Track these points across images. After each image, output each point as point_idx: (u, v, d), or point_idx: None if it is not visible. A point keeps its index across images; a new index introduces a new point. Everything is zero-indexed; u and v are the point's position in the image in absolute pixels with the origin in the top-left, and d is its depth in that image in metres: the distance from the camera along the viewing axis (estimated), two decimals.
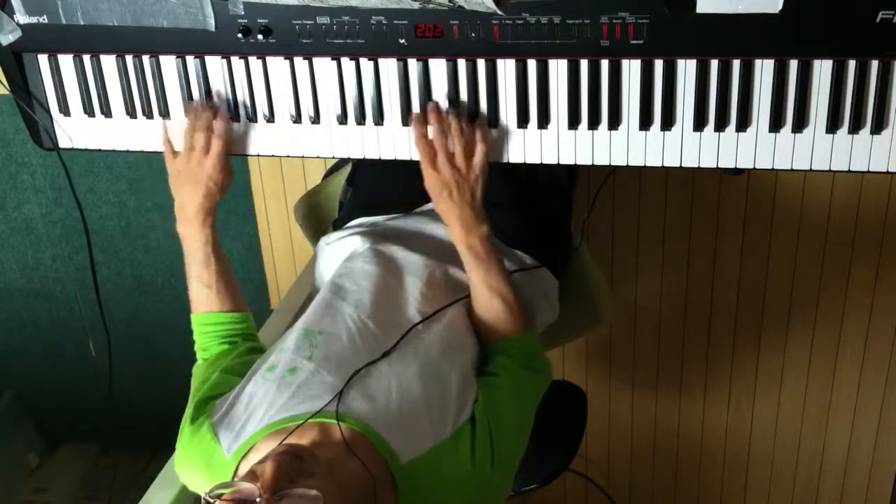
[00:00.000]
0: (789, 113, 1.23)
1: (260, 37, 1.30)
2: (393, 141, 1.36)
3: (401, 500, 1.07)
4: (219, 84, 1.37)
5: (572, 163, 1.32)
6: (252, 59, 1.34)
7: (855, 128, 1.22)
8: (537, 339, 1.36)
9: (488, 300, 1.32)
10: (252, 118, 1.39)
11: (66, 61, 1.41)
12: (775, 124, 1.24)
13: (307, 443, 1.06)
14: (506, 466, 1.18)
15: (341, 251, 1.50)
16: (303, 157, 1.40)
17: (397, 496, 1.07)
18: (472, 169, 1.27)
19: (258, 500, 0.94)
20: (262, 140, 1.41)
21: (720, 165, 1.29)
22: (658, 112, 1.26)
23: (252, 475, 0.98)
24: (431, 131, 1.28)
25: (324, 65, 1.33)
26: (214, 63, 1.36)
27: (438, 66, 1.29)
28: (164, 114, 1.41)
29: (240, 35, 1.30)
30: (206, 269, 1.37)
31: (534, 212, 1.57)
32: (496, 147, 1.33)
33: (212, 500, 0.96)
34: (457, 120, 1.27)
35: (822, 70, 1.20)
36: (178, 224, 1.38)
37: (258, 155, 1.44)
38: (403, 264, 1.40)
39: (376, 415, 1.11)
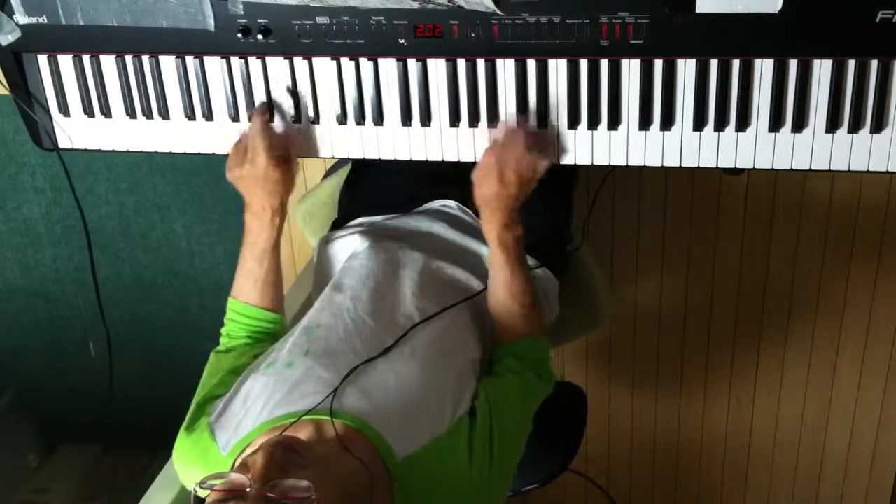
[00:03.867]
0: (789, 113, 1.23)
1: (259, 37, 1.30)
2: (392, 141, 1.36)
3: (397, 496, 1.07)
4: (218, 84, 1.37)
5: (572, 163, 1.32)
6: (251, 59, 1.34)
7: (854, 127, 1.22)
8: (548, 349, 1.36)
9: (508, 299, 1.32)
10: (252, 118, 1.39)
11: (65, 61, 1.41)
12: (775, 124, 1.24)
13: (302, 438, 1.06)
14: (504, 465, 1.18)
15: (341, 251, 1.50)
16: (303, 157, 1.40)
17: (394, 492, 1.07)
18: (531, 182, 1.28)
19: (249, 490, 0.94)
20: None
21: (720, 165, 1.29)
22: (658, 112, 1.26)
23: (244, 467, 0.98)
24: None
25: (323, 65, 1.33)
26: (214, 63, 1.36)
27: (438, 67, 1.29)
28: (164, 114, 1.41)
29: (239, 35, 1.30)
30: (259, 264, 1.38)
31: (534, 212, 1.57)
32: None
33: (203, 491, 0.96)
34: (534, 133, 1.27)
35: (822, 70, 1.20)
36: (246, 215, 1.39)
37: None
38: (403, 261, 1.40)
39: (372, 411, 1.12)
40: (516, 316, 1.32)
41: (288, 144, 1.37)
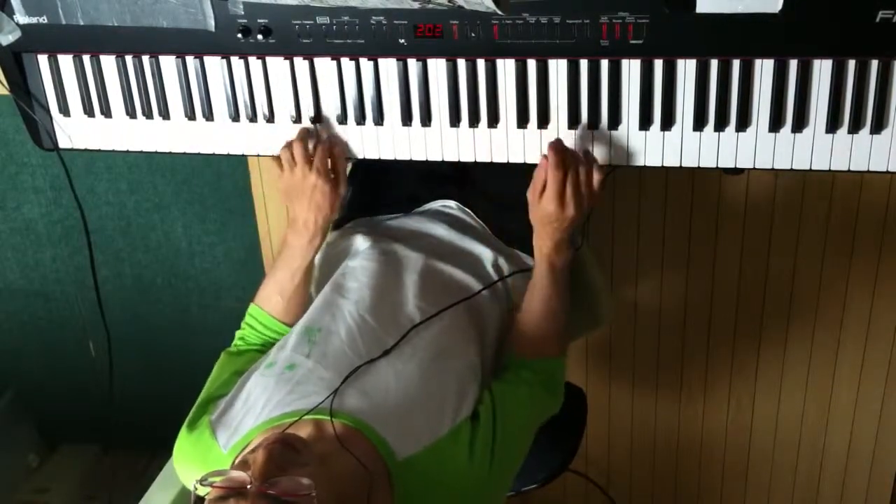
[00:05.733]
0: (789, 113, 1.23)
1: (260, 37, 1.30)
2: (392, 141, 1.36)
3: (396, 496, 1.07)
4: (218, 84, 1.37)
5: None
6: (252, 60, 1.34)
7: (855, 128, 1.22)
8: (564, 368, 1.37)
9: (542, 318, 1.32)
10: (252, 118, 1.39)
11: (65, 61, 1.41)
12: (775, 124, 1.24)
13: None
14: (504, 470, 1.18)
15: (341, 251, 1.50)
16: None
17: (393, 492, 1.07)
18: (593, 198, 1.28)
19: (249, 487, 0.94)
20: (262, 140, 1.41)
21: (720, 165, 1.29)
22: (658, 112, 1.26)
23: (244, 464, 0.98)
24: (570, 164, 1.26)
25: (324, 65, 1.33)
26: (214, 63, 1.36)
27: (438, 66, 1.29)
28: (164, 114, 1.41)
29: (239, 35, 1.30)
30: (290, 280, 1.38)
31: None
32: (498, 147, 1.33)
33: (203, 489, 0.96)
34: (595, 163, 1.27)
35: (822, 70, 1.20)
36: (287, 231, 1.39)
37: (258, 155, 1.44)
38: (403, 261, 1.40)
39: (373, 411, 1.12)
40: (546, 334, 1.32)
41: (339, 163, 1.36)
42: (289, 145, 1.35)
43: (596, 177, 1.27)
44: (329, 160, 1.34)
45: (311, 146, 1.34)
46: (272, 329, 1.40)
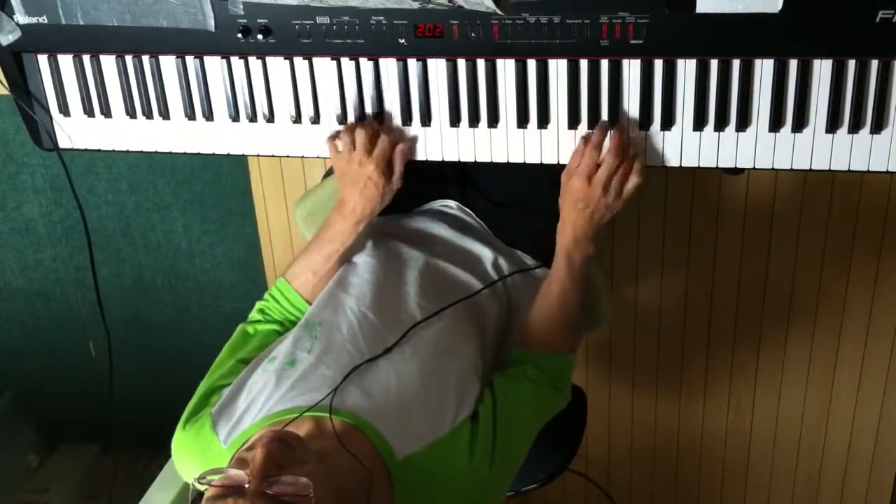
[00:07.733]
0: (789, 113, 1.23)
1: (260, 37, 1.30)
2: None
3: (396, 495, 1.07)
4: (218, 84, 1.37)
5: None
6: (252, 60, 1.34)
7: (855, 127, 1.22)
8: (572, 367, 1.36)
9: (555, 311, 1.32)
10: (252, 118, 1.39)
11: (65, 61, 1.41)
12: (775, 124, 1.24)
13: (302, 435, 1.06)
14: (504, 469, 1.18)
15: None
16: (303, 157, 1.41)
17: (393, 491, 1.07)
18: (620, 198, 1.28)
19: (247, 486, 0.94)
20: (262, 140, 1.41)
21: (720, 165, 1.29)
22: (658, 112, 1.26)
23: (242, 462, 0.98)
24: (607, 146, 1.26)
25: (324, 65, 1.33)
26: (214, 63, 1.36)
27: (438, 66, 1.29)
28: (164, 114, 1.41)
29: (239, 35, 1.30)
30: (325, 261, 1.37)
31: (535, 212, 1.57)
32: (498, 147, 1.33)
33: (202, 486, 0.96)
34: (633, 148, 1.27)
35: (822, 70, 1.20)
36: (333, 212, 1.38)
37: (259, 155, 1.44)
38: (404, 260, 1.40)
39: (373, 409, 1.12)
40: (557, 329, 1.32)
41: (399, 157, 1.34)
42: (351, 129, 1.33)
43: (633, 180, 1.27)
44: (388, 154, 1.32)
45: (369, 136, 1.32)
46: (296, 306, 1.38)
